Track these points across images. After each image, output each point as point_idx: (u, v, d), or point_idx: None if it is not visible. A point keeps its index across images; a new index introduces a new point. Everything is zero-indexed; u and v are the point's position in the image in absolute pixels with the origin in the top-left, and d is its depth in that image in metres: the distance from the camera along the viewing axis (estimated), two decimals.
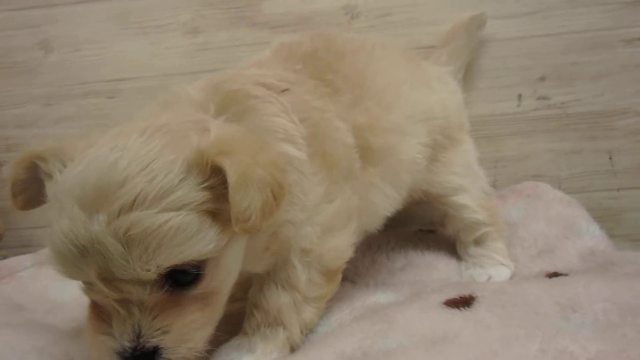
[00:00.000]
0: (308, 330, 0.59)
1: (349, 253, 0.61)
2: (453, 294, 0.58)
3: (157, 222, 0.44)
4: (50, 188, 0.49)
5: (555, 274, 0.71)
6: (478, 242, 0.80)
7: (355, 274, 0.81)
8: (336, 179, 0.59)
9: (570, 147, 0.97)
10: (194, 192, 0.45)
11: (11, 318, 0.66)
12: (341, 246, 0.59)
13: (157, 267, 0.44)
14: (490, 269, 0.79)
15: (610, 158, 0.97)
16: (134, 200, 0.44)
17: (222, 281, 0.50)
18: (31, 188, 0.52)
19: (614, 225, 0.95)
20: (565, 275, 0.69)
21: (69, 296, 0.74)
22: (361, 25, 0.99)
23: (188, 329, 0.47)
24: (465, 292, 0.58)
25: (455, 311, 0.54)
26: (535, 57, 0.96)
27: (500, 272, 0.78)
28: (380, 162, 0.65)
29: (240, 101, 0.56)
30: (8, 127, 1.07)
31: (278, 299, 0.57)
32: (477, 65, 0.97)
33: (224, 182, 0.45)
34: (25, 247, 1.05)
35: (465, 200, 0.78)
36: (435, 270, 0.82)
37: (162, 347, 0.46)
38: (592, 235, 0.81)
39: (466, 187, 0.78)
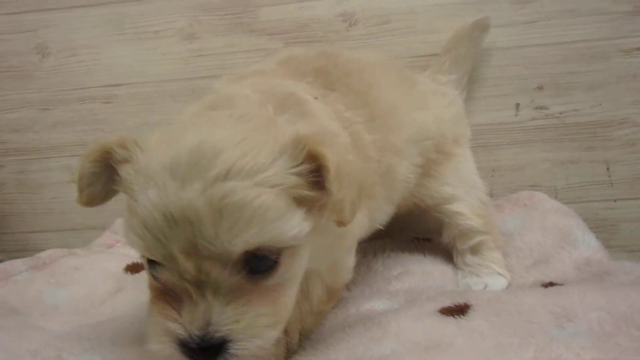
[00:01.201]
0: (305, 338, 0.59)
1: (351, 274, 0.62)
2: (448, 302, 0.58)
3: (250, 195, 0.43)
4: (129, 169, 0.47)
5: (550, 284, 0.71)
6: (474, 250, 0.80)
7: (351, 281, 0.81)
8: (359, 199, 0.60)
9: (568, 157, 0.97)
10: (285, 174, 0.45)
11: (5, 321, 0.66)
12: (349, 268, 0.61)
13: (244, 242, 0.43)
14: (487, 278, 0.79)
15: (607, 168, 0.96)
16: (229, 171, 0.43)
17: (294, 274, 0.49)
18: (97, 183, 0.52)
19: (610, 236, 0.95)
20: (561, 285, 0.69)
21: (63, 300, 0.74)
22: (359, 32, 0.99)
23: (259, 322, 0.45)
24: (460, 301, 0.58)
25: (450, 319, 0.54)
26: (533, 67, 0.96)
27: (497, 282, 0.78)
28: (383, 180, 0.66)
29: (298, 104, 0.56)
30: (4, 131, 1.07)
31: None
32: (475, 75, 0.97)
33: (313, 171, 0.46)
34: (21, 251, 1.05)
35: (459, 208, 0.78)
36: (431, 278, 0.82)
37: (230, 340, 0.44)
38: (588, 246, 0.80)
39: (460, 195, 0.78)
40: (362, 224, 0.60)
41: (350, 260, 0.61)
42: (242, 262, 0.45)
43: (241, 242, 0.43)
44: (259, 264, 0.46)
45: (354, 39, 0.99)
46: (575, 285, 0.63)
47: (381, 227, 0.71)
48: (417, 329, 0.53)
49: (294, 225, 0.46)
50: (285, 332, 0.53)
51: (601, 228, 0.94)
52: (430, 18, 0.97)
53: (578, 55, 0.95)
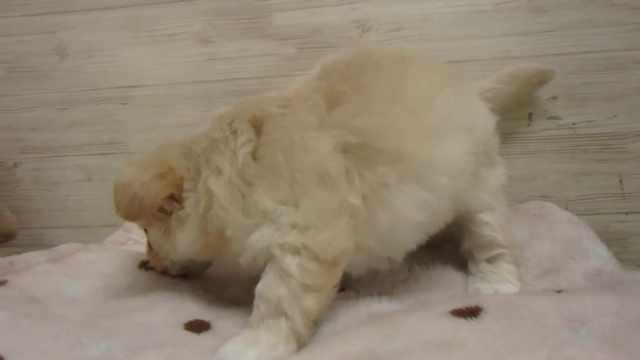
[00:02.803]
0: (311, 321, 0.59)
1: (339, 244, 0.60)
2: (459, 305, 0.58)
3: None
4: None
5: (561, 292, 0.69)
6: (490, 260, 0.80)
7: (358, 283, 0.81)
8: (301, 184, 0.60)
9: (580, 169, 0.96)
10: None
11: (27, 309, 0.67)
12: (326, 237, 0.59)
13: None
14: (497, 284, 0.78)
15: (620, 181, 0.95)
16: None
17: (156, 248, 0.70)
18: None
19: (621, 249, 0.94)
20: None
21: (80, 292, 0.76)
22: (372, 39, 0.99)
23: None
24: (471, 303, 0.58)
25: (461, 320, 0.54)
26: None
27: (506, 288, 0.77)
28: (397, 163, 0.64)
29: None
30: (22, 129, 1.10)
31: (277, 288, 0.58)
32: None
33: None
34: (36, 246, 1.07)
35: (490, 218, 0.77)
36: (438, 285, 0.82)
37: None
38: (599, 257, 0.79)
39: (493, 206, 0.77)
40: (326, 204, 0.61)
41: (333, 232, 0.60)
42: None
43: None
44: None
45: (368, 45, 0.99)
46: (588, 291, 0.63)
47: (422, 220, 0.67)
48: (429, 328, 0.54)
49: None
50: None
51: (612, 241, 0.92)
52: (444, 26, 0.96)
53: (594, 65, 0.93)
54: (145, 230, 0.72)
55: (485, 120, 0.77)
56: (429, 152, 0.66)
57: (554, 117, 0.96)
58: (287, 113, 0.64)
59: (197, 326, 0.62)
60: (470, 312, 0.55)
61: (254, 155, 0.63)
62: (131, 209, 0.63)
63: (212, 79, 1.03)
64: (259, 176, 0.62)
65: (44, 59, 1.07)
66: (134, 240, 1.01)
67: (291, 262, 0.58)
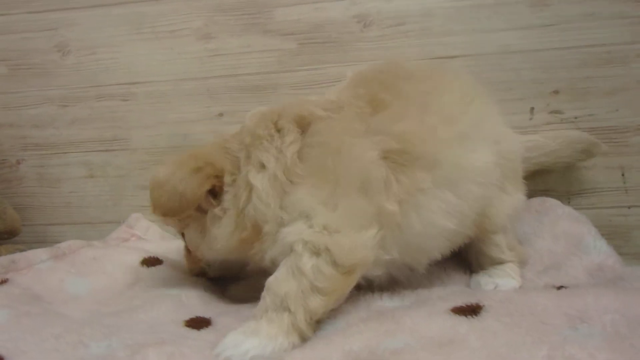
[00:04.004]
0: (313, 320, 0.60)
1: (361, 253, 0.61)
2: (460, 302, 0.58)
3: None
4: None
5: (562, 288, 0.69)
6: (495, 266, 0.81)
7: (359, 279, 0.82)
8: (343, 189, 0.62)
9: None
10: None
11: (30, 307, 0.68)
12: (350, 244, 0.60)
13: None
14: (498, 279, 0.78)
15: (622, 175, 0.95)
16: None
17: (193, 248, 0.71)
18: None
19: (623, 243, 0.94)
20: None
21: (83, 290, 0.76)
22: (373, 34, 0.99)
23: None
24: (472, 301, 0.58)
25: (462, 318, 0.55)
26: (549, 71, 0.95)
27: (507, 283, 0.77)
28: (433, 169, 0.66)
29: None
30: (25, 126, 1.10)
31: (287, 283, 0.59)
32: (490, 78, 0.96)
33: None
34: (40, 242, 1.08)
35: (501, 241, 0.78)
36: (439, 280, 0.82)
37: None
38: (600, 251, 0.79)
39: (507, 229, 0.78)
40: (360, 211, 0.62)
41: (358, 239, 0.61)
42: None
43: None
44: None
45: (369, 40, 0.99)
46: (590, 288, 0.63)
47: (452, 226, 0.68)
48: (430, 326, 0.54)
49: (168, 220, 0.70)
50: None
51: (614, 235, 0.92)
52: (446, 20, 0.96)
53: (596, 59, 0.93)
54: (182, 235, 0.74)
55: (511, 138, 0.79)
56: (461, 159, 0.68)
57: (556, 111, 0.96)
58: (335, 117, 0.67)
59: (198, 323, 0.62)
60: (471, 310, 0.56)
61: (299, 155, 0.64)
62: (171, 206, 0.63)
63: (214, 75, 1.03)
64: (302, 176, 0.63)
65: (46, 56, 1.07)
66: (137, 236, 1.01)
67: (308, 262, 0.59)
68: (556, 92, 0.95)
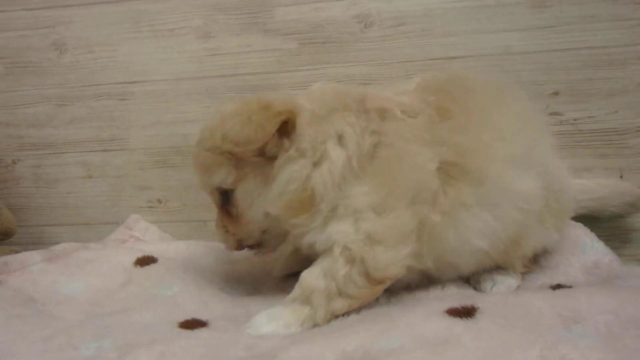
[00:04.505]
0: (332, 317, 0.62)
1: (394, 270, 0.62)
2: (455, 304, 0.59)
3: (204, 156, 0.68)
4: None
5: (558, 286, 0.71)
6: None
7: None
8: (396, 198, 0.63)
9: (581, 164, 0.96)
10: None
11: (22, 310, 0.67)
12: (386, 260, 0.62)
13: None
14: (498, 276, 0.78)
15: (621, 176, 0.95)
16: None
17: (243, 206, 0.67)
18: None
19: (621, 245, 0.94)
20: (569, 287, 0.69)
21: (77, 291, 0.75)
22: (374, 34, 0.98)
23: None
24: (467, 303, 0.59)
25: (457, 320, 0.55)
26: (549, 72, 0.95)
27: (505, 280, 0.78)
28: (479, 185, 0.66)
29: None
30: (22, 126, 1.09)
31: (317, 281, 0.62)
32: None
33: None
34: (36, 244, 1.07)
35: (517, 263, 0.77)
36: (437, 279, 0.82)
37: None
38: (597, 250, 0.80)
39: (527, 257, 0.77)
40: (405, 225, 0.62)
41: (394, 256, 0.61)
42: (219, 196, 0.68)
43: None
44: (224, 198, 0.68)
45: (369, 40, 0.98)
46: (584, 287, 0.64)
47: (484, 247, 0.67)
48: (425, 326, 0.54)
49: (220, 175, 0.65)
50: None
51: (613, 237, 0.93)
52: (447, 21, 0.96)
53: (596, 61, 0.93)
54: (226, 193, 0.68)
55: (561, 171, 0.78)
56: (507, 181, 0.67)
57: (556, 113, 0.96)
58: (408, 122, 0.66)
59: (192, 324, 0.63)
60: (466, 312, 0.56)
61: (375, 148, 0.64)
62: (246, 134, 0.59)
63: (213, 75, 1.02)
64: (366, 172, 0.63)
65: (43, 54, 1.06)
66: (135, 237, 1.01)
67: (342, 268, 0.61)
68: (556, 93, 0.95)
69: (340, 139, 0.63)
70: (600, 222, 0.93)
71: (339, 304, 0.62)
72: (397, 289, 0.73)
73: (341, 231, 0.62)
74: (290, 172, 0.63)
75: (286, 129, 0.62)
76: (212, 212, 1.03)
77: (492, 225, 0.66)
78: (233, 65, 1.02)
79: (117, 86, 1.05)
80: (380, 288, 0.63)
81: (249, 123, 0.60)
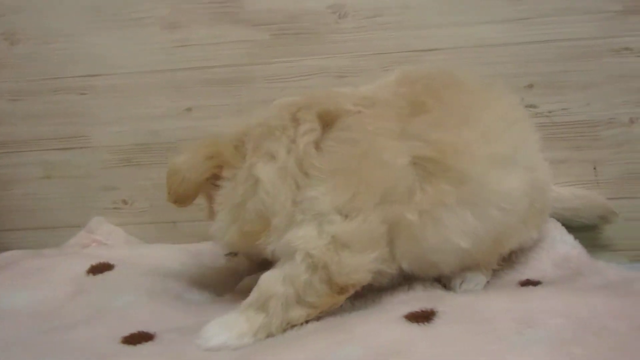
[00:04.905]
0: (288, 327, 0.59)
1: (360, 275, 0.60)
2: (416, 307, 0.59)
3: None
4: None
5: (527, 282, 0.72)
6: None
7: None
8: (363, 198, 0.60)
9: (556, 157, 0.96)
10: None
11: None
12: (352, 266, 0.59)
13: None
14: (467, 273, 0.78)
15: (594, 168, 0.97)
16: None
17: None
18: None
19: (596, 236, 0.96)
20: (538, 283, 0.70)
21: (20, 304, 0.70)
22: (349, 25, 0.96)
23: None
24: (428, 306, 0.59)
25: (414, 326, 0.55)
26: (524, 65, 0.94)
27: (475, 277, 0.77)
28: (461, 184, 0.63)
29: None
30: None
31: (275, 287, 0.59)
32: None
33: None
34: None
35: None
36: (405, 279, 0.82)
37: None
38: (565, 243, 0.82)
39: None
40: (373, 229, 0.60)
41: (361, 261, 0.59)
42: None
43: None
44: None
45: (344, 32, 0.96)
46: (542, 289, 0.65)
47: (464, 245, 0.65)
48: (380, 334, 0.54)
49: None
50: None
51: (586, 228, 0.93)
52: (424, 13, 0.94)
53: (570, 54, 0.94)
54: None
55: (545, 170, 0.77)
56: (490, 180, 0.65)
57: (531, 106, 0.96)
58: (368, 113, 0.64)
59: (138, 338, 0.60)
60: (425, 317, 0.56)
61: (318, 146, 0.62)
62: (181, 192, 0.66)
63: (181, 67, 0.98)
64: (321, 170, 0.61)
65: None
66: (98, 242, 0.96)
67: (302, 274, 0.58)
68: (530, 86, 0.95)
69: (268, 157, 0.64)
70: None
71: (297, 313, 0.59)
72: (364, 293, 0.72)
73: (303, 237, 0.60)
74: (213, 227, 0.68)
75: (220, 174, 0.67)
76: (182, 213, 1.01)
77: (475, 225, 0.64)
78: (202, 57, 0.97)
79: (77, 79, 0.99)
80: (342, 298, 0.61)
81: (182, 182, 0.65)
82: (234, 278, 0.81)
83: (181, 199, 0.67)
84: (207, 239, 0.96)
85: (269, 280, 0.60)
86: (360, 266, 0.59)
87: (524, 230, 0.74)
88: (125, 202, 1.02)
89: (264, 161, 0.63)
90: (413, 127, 0.64)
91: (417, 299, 0.64)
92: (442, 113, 0.65)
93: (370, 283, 0.66)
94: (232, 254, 0.89)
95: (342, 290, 0.60)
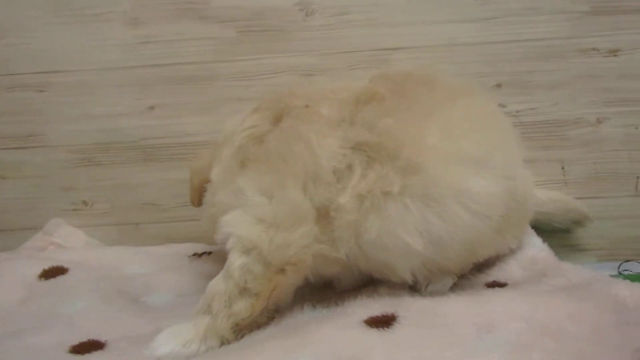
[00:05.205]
0: (239, 326, 0.58)
1: (293, 251, 0.59)
2: (378, 311, 0.58)
3: None
4: None
5: (494, 283, 0.71)
6: None
7: None
8: (286, 179, 0.60)
9: (524, 156, 0.96)
10: None
11: None
12: (282, 242, 0.58)
13: None
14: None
15: (562, 168, 0.97)
16: None
17: None
18: None
19: (564, 235, 0.96)
20: (504, 284, 0.70)
21: None
22: (317, 23, 0.94)
23: None
24: (389, 311, 0.58)
25: (373, 331, 0.54)
26: (492, 64, 0.94)
27: (442, 278, 0.76)
28: (411, 174, 0.60)
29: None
30: None
31: (218, 285, 0.59)
32: (434, 70, 0.94)
33: None
34: None
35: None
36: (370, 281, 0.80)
37: None
38: (533, 245, 0.81)
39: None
40: (297, 205, 0.60)
41: (290, 237, 0.58)
42: None
43: None
44: None
45: (312, 29, 0.94)
46: (504, 292, 0.64)
47: (419, 248, 0.61)
48: (338, 340, 0.53)
49: None
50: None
51: (556, 228, 0.94)
52: (392, 11, 0.93)
53: (537, 53, 0.94)
54: None
55: (526, 181, 0.74)
56: (452, 177, 0.61)
57: (499, 105, 0.96)
58: (315, 107, 0.64)
59: (87, 347, 0.58)
60: (384, 322, 0.55)
61: (262, 140, 0.64)
62: (190, 198, 0.75)
63: (144, 64, 0.95)
64: (252, 160, 0.63)
65: None
66: (56, 244, 0.93)
67: (236, 261, 0.58)
68: (499, 85, 0.95)
69: (218, 161, 0.68)
70: None
71: (241, 305, 0.57)
72: (329, 297, 0.70)
73: (230, 220, 0.60)
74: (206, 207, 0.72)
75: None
76: (145, 214, 0.98)
77: (431, 222, 0.60)
78: (166, 54, 0.95)
79: (34, 76, 0.95)
80: (284, 278, 0.59)
81: (189, 188, 0.75)
82: (198, 280, 0.79)
83: (196, 202, 0.74)
84: (171, 241, 0.94)
85: (212, 283, 0.60)
86: (290, 242, 0.58)
87: (501, 240, 0.71)
88: (85, 203, 0.99)
89: (217, 164, 0.67)
90: (360, 115, 0.63)
91: (380, 302, 0.63)
92: (398, 104, 0.64)
93: (328, 278, 0.66)
94: (197, 255, 0.87)
95: (280, 270, 0.58)
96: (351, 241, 0.61)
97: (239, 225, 0.59)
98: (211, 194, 0.68)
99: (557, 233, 0.92)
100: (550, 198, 0.90)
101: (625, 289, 0.57)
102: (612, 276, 0.74)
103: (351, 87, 0.68)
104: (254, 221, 0.59)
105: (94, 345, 0.58)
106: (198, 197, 0.73)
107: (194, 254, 0.87)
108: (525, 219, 0.77)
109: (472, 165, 0.63)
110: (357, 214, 0.60)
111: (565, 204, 0.92)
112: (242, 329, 0.59)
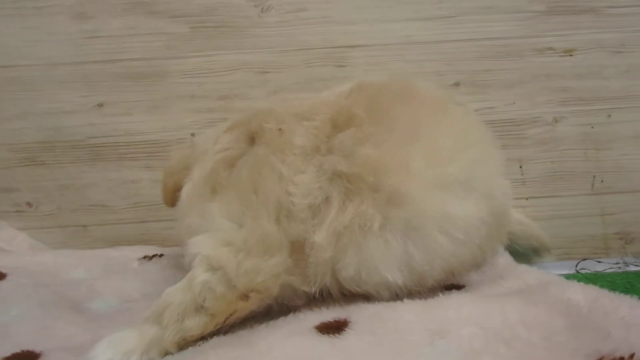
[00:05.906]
0: (185, 342, 0.54)
1: (262, 279, 0.55)
2: (330, 317, 0.56)
3: None
4: None
5: (452, 286, 0.69)
6: None
7: None
8: (258, 209, 0.58)
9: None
10: None
11: None
12: (252, 268, 0.55)
13: None
14: None
15: (520, 167, 0.96)
16: None
17: None
18: None
19: None
20: (462, 287, 0.68)
21: None
22: (272, 19, 0.92)
23: None
24: (341, 316, 0.56)
25: (324, 337, 0.52)
26: (450, 63, 0.94)
27: None
28: (395, 207, 0.57)
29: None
30: None
31: (174, 295, 0.55)
32: (393, 69, 0.93)
33: None
34: None
35: None
36: None
37: None
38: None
39: None
40: (268, 236, 0.57)
41: (260, 265, 0.55)
42: None
43: None
44: None
45: (267, 26, 0.92)
46: (459, 296, 0.62)
47: (398, 282, 0.58)
48: (286, 348, 0.51)
49: None
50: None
51: None
52: (348, 8, 0.92)
53: (494, 52, 0.94)
54: None
55: (506, 194, 0.70)
56: (435, 204, 0.58)
57: (457, 104, 0.95)
58: (282, 129, 0.62)
59: (20, 358, 0.54)
60: (336, 328, 0.54)
61: (233, 164, 0.63)
62: (162, 198, 0.76)
63: (91, 60, 0.92)
64: (225, 186, 0.61)
65: None
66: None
67: (199, 276, 0.55)
68: (457, 84, 0.95)
69: (189, 179, 0.68)
70: None
71: (192, 322, 0.54)
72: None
73: (199, 242, 0.57)
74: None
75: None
76: (92, 216, 0.94)
77: (411, 254, 0.57)
78: (115, 49, 0.92)
79: None
80: (245, 304, 0.55)
81: (162, 189, 0.76)
82: (146, 285, 0.76)
83: (169, 203, 0.73)
84: (120, 243, 0.91)
85: (169, 291, 0.56)
86: (260, 269, 0.55)
87: (481, 255, 0.67)
88: (29, 204, 0.95)
89: (187, 182, 0.67)
90: (337, 142, 0.60)
91: (333, 308, 0.61)
92: (377, 127, 0.60)
93: (285, 303, 0.62)
94: (148, 258, 0.84)
95: (244, 295, 0.55)
96: (326, 277, 0.59)
97: (206, 246, 0.57)
98: (182, 212, 0.67)
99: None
100: (518, 220, 0.86)
101: (578, 293, 0.56)
102: (569, 276, 0.74)
103: (328, 105, 0.64)
104: (222, 243, 0.56)
105: (28, 356, 0.54)
106: (171, 198, 0.72)
107: (144, 257, 0.84)
108: (504, 232, 0.73)
109: (455, 188, 0.60)
110: (334, 251, 0.57)
111: (530, 229, 0.88)
112: (187, 344, 0.55)
